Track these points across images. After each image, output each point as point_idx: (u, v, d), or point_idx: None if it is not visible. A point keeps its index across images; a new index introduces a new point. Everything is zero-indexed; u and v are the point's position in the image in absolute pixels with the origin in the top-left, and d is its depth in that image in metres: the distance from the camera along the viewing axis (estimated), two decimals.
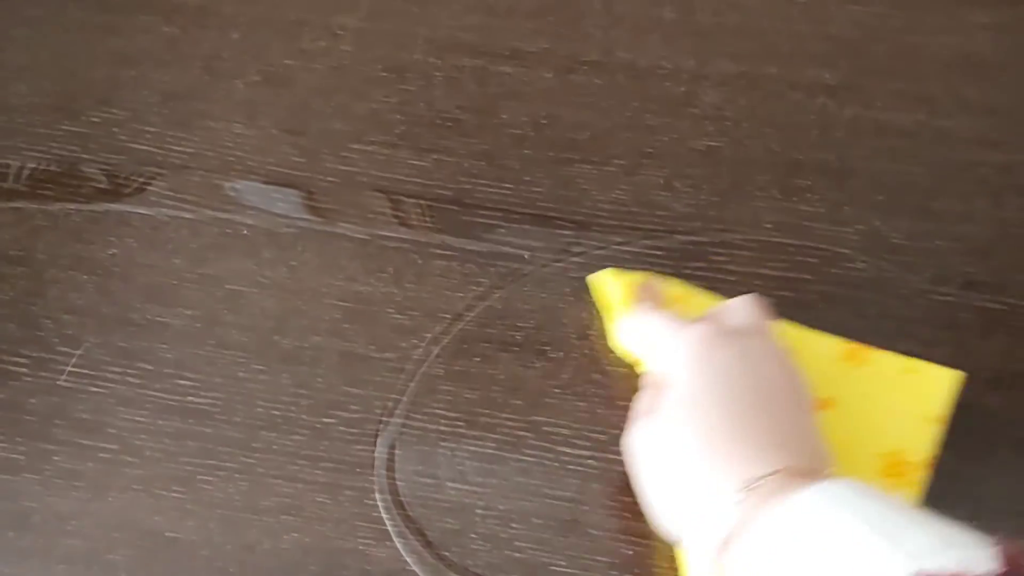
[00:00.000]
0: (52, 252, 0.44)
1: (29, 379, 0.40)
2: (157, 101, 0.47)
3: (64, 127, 0.46)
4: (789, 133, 0.46)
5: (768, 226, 0.44)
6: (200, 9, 0.48)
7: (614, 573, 0.38)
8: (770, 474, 0.33)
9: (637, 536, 0.38)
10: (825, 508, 0.30)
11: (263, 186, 0.45)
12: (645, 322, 0.40)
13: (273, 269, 0.43)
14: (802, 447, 0.35)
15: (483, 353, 0.41)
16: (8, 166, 0.45)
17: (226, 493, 0.38)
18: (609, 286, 0.43)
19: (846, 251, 0.43)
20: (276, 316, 0.42)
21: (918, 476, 0.39)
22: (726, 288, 0.41)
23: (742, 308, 0.40)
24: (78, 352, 0.41)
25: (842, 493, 0.31)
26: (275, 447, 0.39)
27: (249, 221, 0.44)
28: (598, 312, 0.44)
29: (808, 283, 0.42)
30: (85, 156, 0.46)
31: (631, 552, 0.38)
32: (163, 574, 0.37)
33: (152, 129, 0.46)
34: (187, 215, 0.44)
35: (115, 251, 0.44)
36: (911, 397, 0.41)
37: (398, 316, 0.42)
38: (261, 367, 0.41)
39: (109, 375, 0.41)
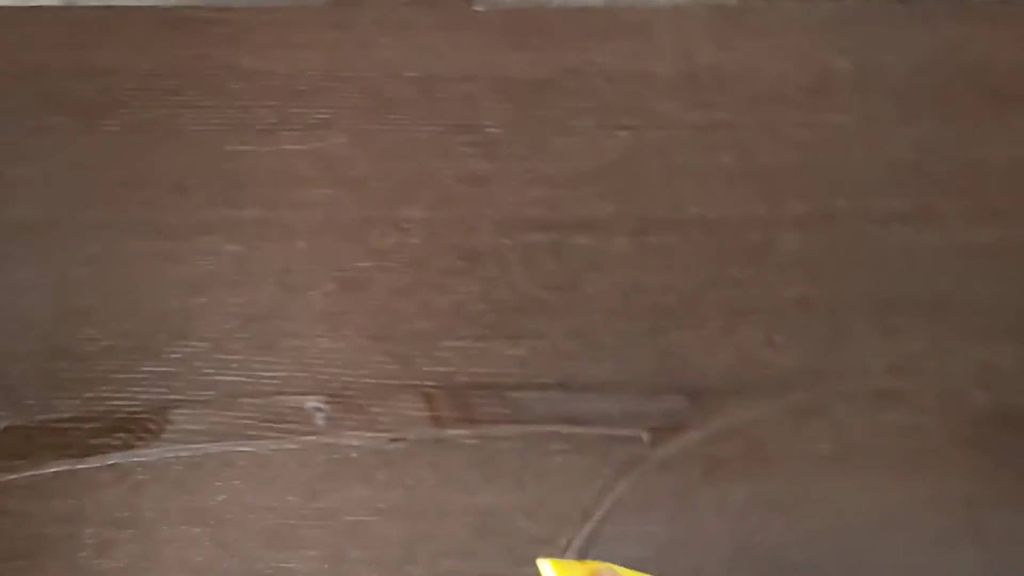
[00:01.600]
0: (159, 507, 0.43)
1: None
2: (236, 326, 0.46)
3: (145, 369, 0.46)
4: (875, 269, 0.47)
5: (878, 370, 0.45)
6: (260, 221, 0.48)
7: None
8: None
9: None
10: None
11: (362, 402, 0.45)
12: None
13: (390, 491, 0.43)
14: None
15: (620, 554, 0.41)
16: (83, 419, 0.44)
17: None
18: None
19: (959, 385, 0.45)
20: (403, 544, 0.42)
21: None
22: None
23: None
24: None
25: None
26: None
27: (355, 443, 0.44)
28: None
29: (930, 429, 0.44)
30: (173, 396, 0.45)
31: None
32: None
33: (236, 356, 0.46)
34: (290, 445, 0.44)
35: (224, 496, 0.43)
36: None
37: (527, 525, 0.42)
38: None
39: None
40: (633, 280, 0.51)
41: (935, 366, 0.48)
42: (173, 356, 0.49)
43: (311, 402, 0.47)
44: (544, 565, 0.39)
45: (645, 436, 0.47)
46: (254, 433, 0.47)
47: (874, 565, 0.46)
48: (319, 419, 0.46)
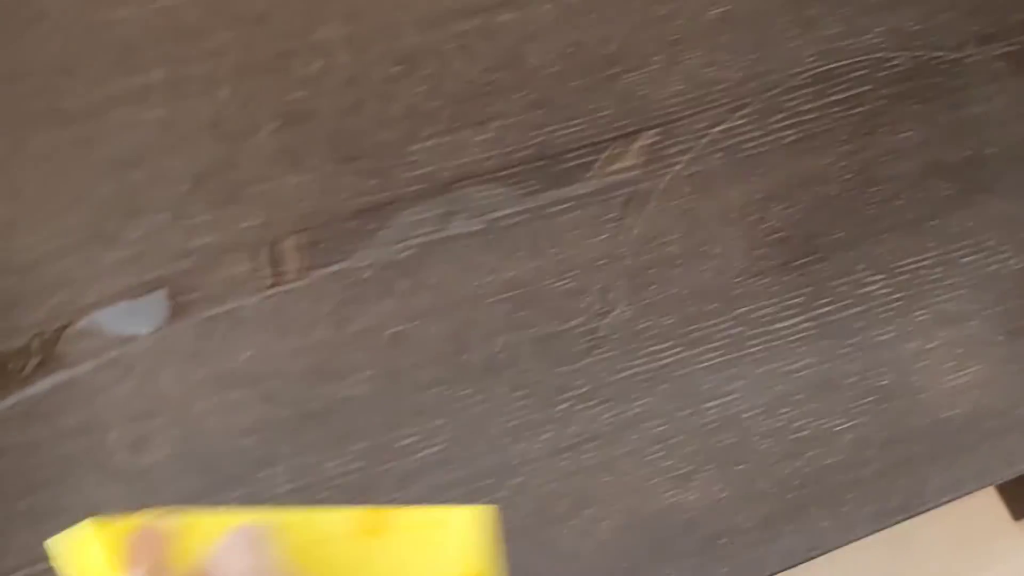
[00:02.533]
0: (182, 384, 0.41)
1: None
2: (188, 188, 0.44)
3: (107, 258, 0.42)
4: None
5: (811, 59, 0.49)
6: (171, 81, 0.45)
7: None
8: None
9: None
10: None
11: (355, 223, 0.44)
12: None
13: (417, 297, 0.43)
14: None
15: (657, 279, 0.43)
16: (55, 327, 0.41)
17: None
18: (90, 547, 0.35)
19: (882, 54, 0.49)
20: (449, 338, 0.42)
21: None
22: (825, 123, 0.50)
23: (230, 555, 0.35)
24: None
25: None
26: None
27: (365, 262, 0.43)
28: None
29: (872, 93, 0.48)
30: (148, 277, 0.42)
31: None
32: None
33: (204, 217, 0.43)
34: (297, 284, 0.43)
35: (249, 352, 0.41)
36: (443, 556, 0.37)
37: (559, 283, 0.44)
38: (469, 391, 0.44)
39: None
40: (569, 40, 0.52)
41: (853, 43, 0.53)
42: (134, 237, 0.45)
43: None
44: (71, 533, 0.35)
45: (639, 172, 0.49)
46: (253, 284, 0.45)
47: None
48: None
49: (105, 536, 0.34)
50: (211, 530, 0.35)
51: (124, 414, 0.43)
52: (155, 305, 0.46)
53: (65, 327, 0.45)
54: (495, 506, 0.35)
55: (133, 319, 0.45)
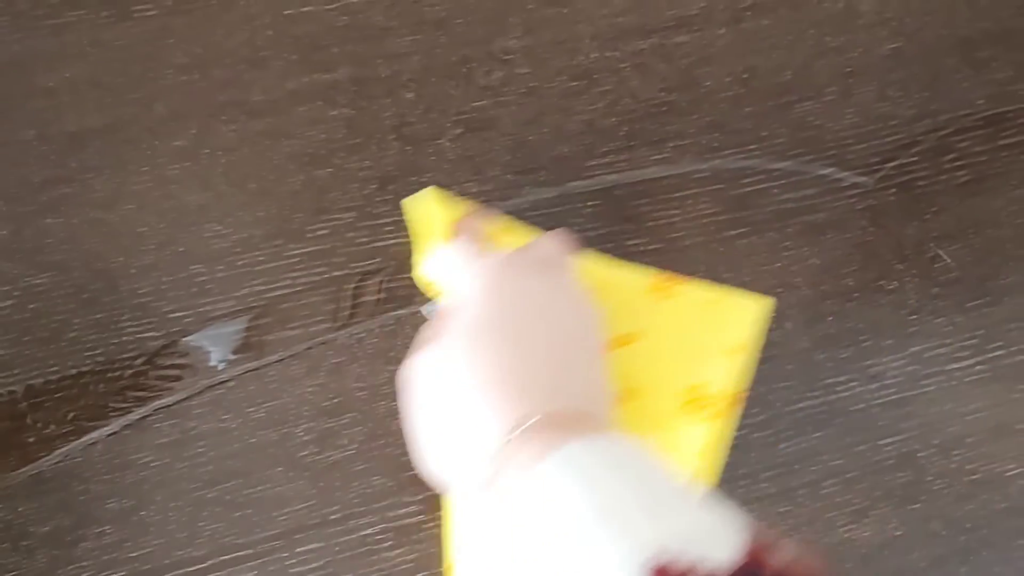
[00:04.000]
0: (368, 384, 0.42)
1: None
2: (374, 190, 0.46)
3: (294, 251, 0.44)
4: (949, 10, 0.52)
5: (981, 102, 0.50)
6: (356, 80, 0.47)
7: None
8: (537, 418, 0.34)
9: None
10: (563, 481, 0.31)
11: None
12: (449, 253, 0.42)
13: None
14: (579, 389, 0.37)
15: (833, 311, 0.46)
16: (255, 316, 0.42)
17: None
18: (429, 212, 0.45)
19: None
20: None
21: (721, 409, 0.42)
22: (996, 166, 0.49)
23: (547, 243, 0.42)
24: None
25: (590, 461, 0.32)
26: None
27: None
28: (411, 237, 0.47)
29: None
30: (335, 273, 0.44)
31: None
32: None
33: (386, 220, 0.45)
34: None
35: None
36: (715, 329, 0.43)
37: None
38: None
39: None
40: (744, 66, 0.53)
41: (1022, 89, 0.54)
42: (319, 233, 0.46)
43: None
44: (422, 195, 0.45)
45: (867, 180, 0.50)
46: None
47: None
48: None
49: (441, 207, 0.44)
50: (523, 235, 0.45)
51: (314, 409, 0.45)
52: (341, 302, 0.47)
53: (254, 318, 0.46)
54: (772, 300, 0.43)
55: (317, 316, 0.46)
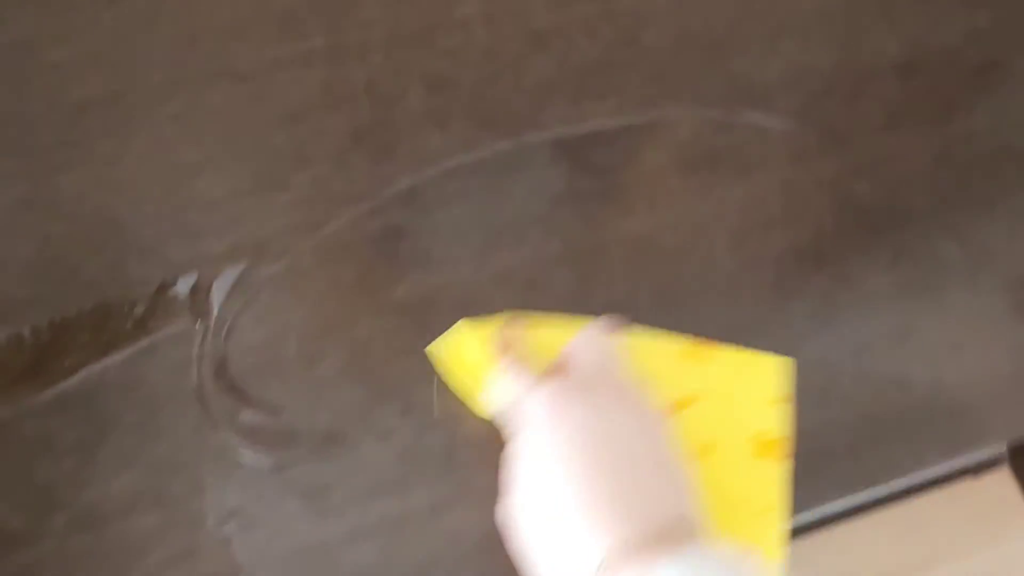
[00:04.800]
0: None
1: None
2: (348, 144, 0.52)
3: (279, 200, 0.50)
4: None
5: (893, 52, 0.57)
6: (331, 47, 0.53)
7: None
8: (623, 547, 0.36)
9: None
10: None
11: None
12: (500, 385, 0.44)
13: (549, 245, 0.50)
14: (664, 501, 0.39)
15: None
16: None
17: None
18: (466, 344, 0.49)
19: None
20: (578, 281, 0.49)
21: (784, 453, 0.49)
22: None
23: (589, 345, 0.44)
24: None
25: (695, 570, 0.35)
26: None
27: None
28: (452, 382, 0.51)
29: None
30: (317, 218, 0.50)
31: None
32: None
33: (359, 169, 0.51)
34: None
35: None
36: (757, 384, 0.50)
37: (673, 237, 0.51)
38: None
39: None
40: (680, 26, 0.60)
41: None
42: (299, 183, 0.53)
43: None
44: (452, 335, 0.51)
45: None
46: (409, 228, 0.52)
47: None
48: None
49: (477, 333, 0.48)
50: (566, 329, 0.49)
51: (299, 333, 0.51)
52: (327, 240, 0.54)
53: (246, 258, 0.53)
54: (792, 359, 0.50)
55: (301, 252, 0.53)
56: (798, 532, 0.67)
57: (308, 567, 0.47)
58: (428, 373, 0.52)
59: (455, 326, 0.51)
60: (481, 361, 0.47)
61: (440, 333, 0.53)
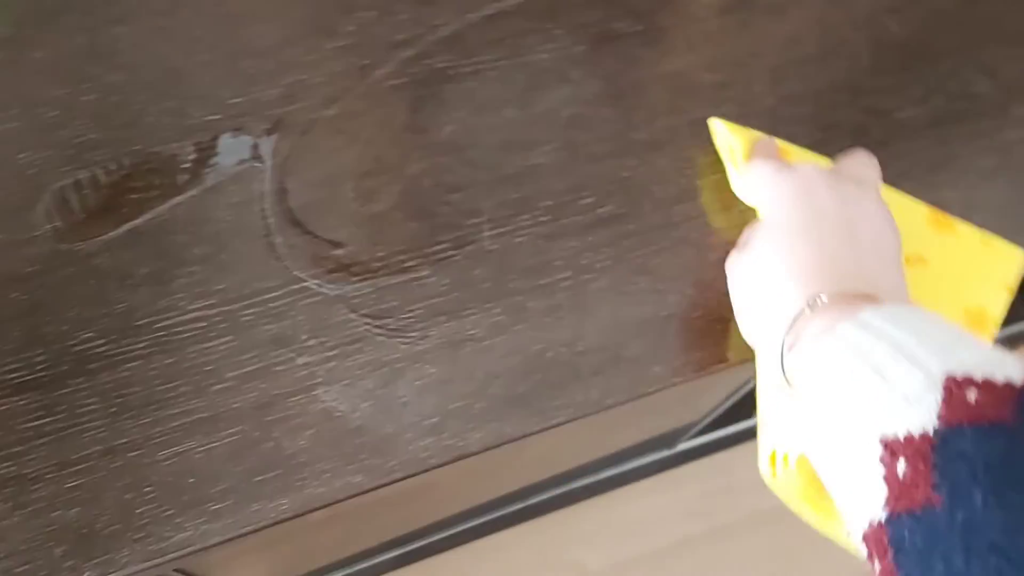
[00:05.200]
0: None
1: None
2: None
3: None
4: None
5: None
6: None
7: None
8: (827, 298, 0.41)
9: None
10: (857, 336, 0.37)
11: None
12: (759, 166, 0.49)
13: (589, 84, 0.52)
14: (878, 285, 0.43)
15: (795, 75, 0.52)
16: None
17: None
18: (727, 136, 0.54)
19: None
20: (619, 119, 0.51)
21: (993, 331, 0.51)
22: None
23: (857, 161, 0.49)
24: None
25: (895, 311, 0.38)
26: None
27: (543, 55, 0.52)
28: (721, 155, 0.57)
29: None
30: (365, 61, 0.52)
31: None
32: None
33: (402, 16, 0.53)
34: (486, 68, 0.52)
35: (450, 127, 0.51)
36: (990, 265, 0.52)
37: (711, 75, 0.52)
38: (635, 163, 0.56)
39: None
40: None
41: None
42: (348, 29, 0.55)
43: None
44: (716, 123, 0.55)
45: None
46: (454, 71, 0.54)
47: None
48: None
49: (737, 133, 0.53)
50: (809, 159, 0.53)
51: (354, 171, 0.54)
52: (376, 83, 0.56)
53: (300, 103, 0.55)
54: None
55: (349, 95, 0.55)
56: None
57: (377, 382, 0.51)
58: (476, 210, 0.55)
59: (718, 121, 0.55)
60: (741, 147, 0.52)
61: (486, 169, 0.56)
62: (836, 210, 0.44)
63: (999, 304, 0.51)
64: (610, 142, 0.57)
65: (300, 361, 0.51)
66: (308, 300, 0.52)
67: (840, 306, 0.40)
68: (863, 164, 0.49)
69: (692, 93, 0.59)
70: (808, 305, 0.41)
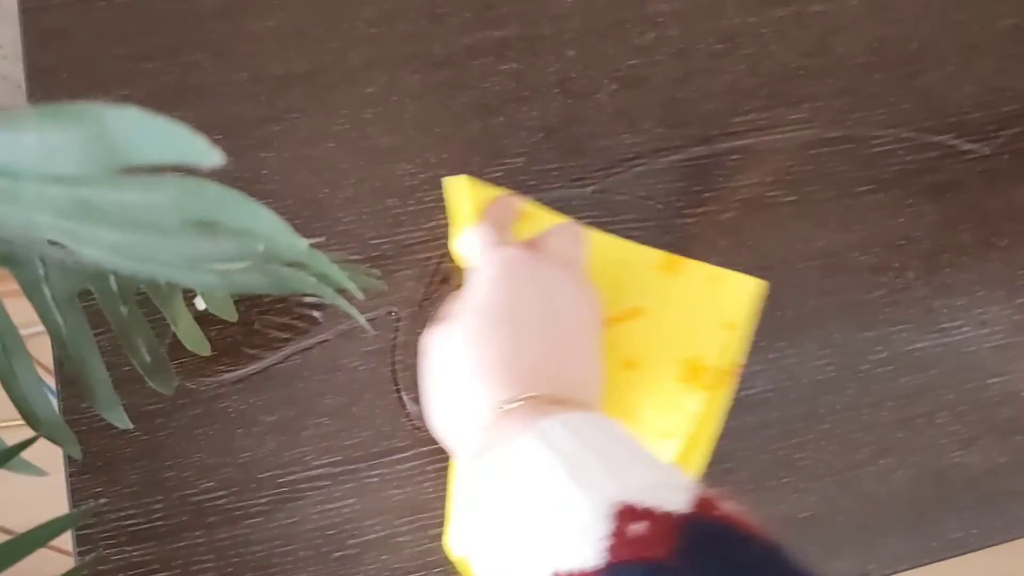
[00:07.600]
0: None
1: None
2: (540, 139, 0.53)
3: None
4: None
5: None
6: (525, 38, 0.54)
7: None
8: (523, 399, 0.39)
9: None
10: (537, 452, 0.36)
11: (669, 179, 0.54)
12: (473, 236, 0.47)
13: (738, 254, 0.51)
14: (569, 378, 0.42)
15: (949, 264, 0.56)
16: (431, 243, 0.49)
17: None
18: (462, 193, 0.51)
19: None
20: (768, 294, 0.50)
21: (716, 381, 0.47)
22: None
23: (561, 237, 0.47)
24: None
25: (562, 435, 0.36)
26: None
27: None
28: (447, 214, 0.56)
29: None
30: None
31: None
32: None
33: (551, 166, 0.53)
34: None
35: None
36: (714, 305, 0.49)
37: (865, 256, 0.52)
38: (783, 344, 0.55)
39: None
40: (874, 36, 0.60)
41: None
42: (495, 175, 0.54)
43: None
44: (457, 179, 0.51)
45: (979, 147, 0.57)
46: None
47: None
48: None
49: (474, 191, 0.50)
50: (547, 220, 0.51)
51: None
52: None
53: (438, 249, 0.54)
54: (766, 282, 0.49)
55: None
56: None
57: None
58: None
59: (459, 176, 0.51)
60: (469, 212, 0.49)
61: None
62: (536, 301, 0.42)
63: (722, 348, 0.48)
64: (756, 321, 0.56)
65: (428, 534, 0.49)
66: (438, 465, 0.51)
67: (526, 414, 0.38)
68: (570, 241, 0.46)
69: (843, 272, 0.57)
70: (496, 412, 0.39)
